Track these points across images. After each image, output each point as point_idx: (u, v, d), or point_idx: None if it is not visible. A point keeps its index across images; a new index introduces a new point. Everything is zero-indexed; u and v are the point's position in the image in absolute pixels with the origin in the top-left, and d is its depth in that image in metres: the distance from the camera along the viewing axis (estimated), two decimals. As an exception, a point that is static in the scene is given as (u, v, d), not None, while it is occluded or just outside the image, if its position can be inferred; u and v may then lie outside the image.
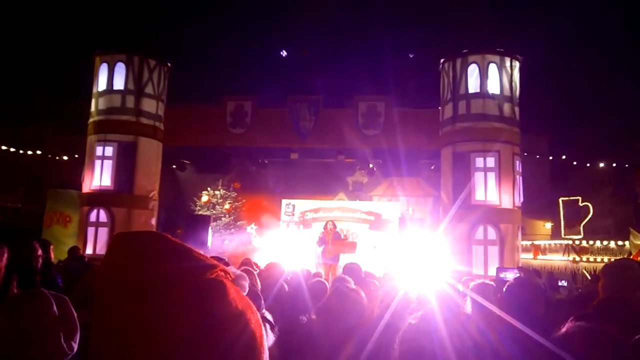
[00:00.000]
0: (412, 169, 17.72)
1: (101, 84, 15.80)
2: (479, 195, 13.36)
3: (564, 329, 2.07)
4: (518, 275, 5.46)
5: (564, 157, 21.98)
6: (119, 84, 15.62)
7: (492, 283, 5.04)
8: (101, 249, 14.71)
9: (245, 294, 0.91)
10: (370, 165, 18.76)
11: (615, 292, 3.16)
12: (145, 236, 0.85)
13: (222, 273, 0.87)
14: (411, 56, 14.60)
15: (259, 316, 0.87)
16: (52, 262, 7.08)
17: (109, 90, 15.64)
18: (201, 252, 0.93)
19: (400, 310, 3.77)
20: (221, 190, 18.31)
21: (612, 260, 5.12)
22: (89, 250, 14.59)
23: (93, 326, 0.83)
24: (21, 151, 21.27)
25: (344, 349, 3.24)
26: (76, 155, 18.79)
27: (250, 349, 0.83)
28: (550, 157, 22.71)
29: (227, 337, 0.80)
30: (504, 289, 3.88)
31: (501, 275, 7.69)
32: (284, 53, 14.64)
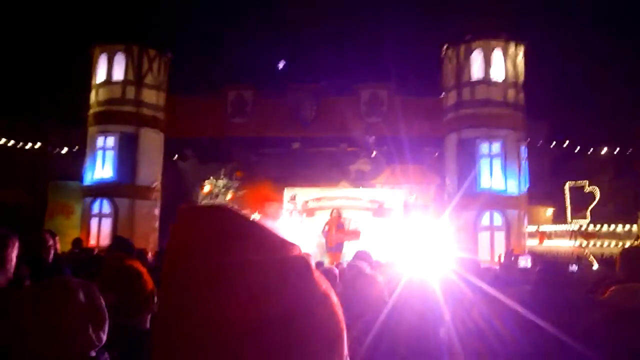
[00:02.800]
0: (415, 156, 17.60)
1: (100, 74, 15.67)
2: (484, 182, 13.30)
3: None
4: (531, 259, 5.39)
5: (566, 143, 21.88)
6: (118, 74, 15.50)
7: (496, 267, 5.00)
8: (104, 240, 14.65)
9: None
10: (374, 153, 18.67)
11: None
12: (217, 212, 0.75)
13: (304, 254, 0.77)
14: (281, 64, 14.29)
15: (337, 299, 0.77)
16: (57, 253, 7.00)
17: (109, 81, 15.52)
18: None
19: (407, 297, 3.74)
20: (223, 179, 18.21)
21: (629, 245, 5.05)
22: (92, 242, 14.54)
23: (160, 312, 0.73)
24: (20, 144, 21.14)
25: (350, 332, 3.20)
26: (76, 147, 18.64)
27: (335, 335, 0.73)
28: (554, 143, 22.61)
29: (314, 323, 0.72)
30: (537, 272, 3.81)
31: (514, 261, 7.63)
32: (281, 64, 14.52)
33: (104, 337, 1.85)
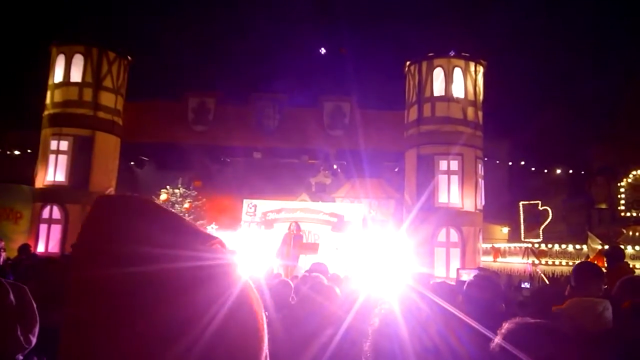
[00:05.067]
0: (375, 170, 17.79)
1: (57, 75, 15.25)
2: (442, 198, 13.46)
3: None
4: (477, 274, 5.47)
5: (522, 162, 22.45)
6: (76, 76, 15.10)
7: (452, 283, 5.04)
8: (54, 247, 14.15)
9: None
10: (334, 167, 18.74)
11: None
12: (135, 201, 0.70)
13: (220, 246, 0.73)
14: (323, 51, 14.54)
15: (258, 296, 0.74)
16: (2, 258, 6.72)
17: (66, 82, 15.10)
18: None
19: (364, 313, 3.74)
20: (181, 188, 17.91)
21: (577, 263, 5.15)
22: (40, 248, 14.04)
23: (69, 302, 0.67)
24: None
25: (306, 352, 3.16)
26: (29, 150, 18.05)
27: (253, 332, 0.69)
28: (510, 163, 23.18)
29: (231, 319, 0.69)
30: (464, 287, 3.92)
31: (461, 276, 7.72)
32: (323, 51, 14.47)
33: (34, 340, 1.74)
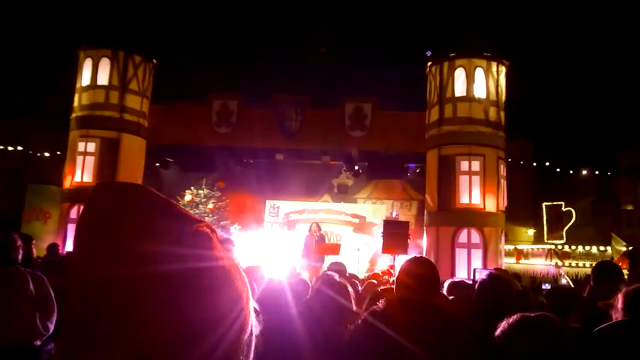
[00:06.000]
0: (397, 171, 17.75)
1: (85, 79, 15.59)
2: (463, 199, 13.38)
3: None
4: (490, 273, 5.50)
5: (547, 163, 22.15)
6: (103, 79, 15.42)
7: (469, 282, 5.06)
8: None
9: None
10: (356, 167, 18.76)
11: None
12: (130, 186, 0.78)
13: (208, 229, 0.80)
14: (428, 54, 14.55)
15: (245, 278, 0.79)
16: (33, 257, 6.92)
17: (93, 85, 15.43)
18: None
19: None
20: (205, 189, 18.13)
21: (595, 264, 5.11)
22: (68, 248, 14.34)
23: (70, 271, 0.75)
24: (0, 147, 20.92)
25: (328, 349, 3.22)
26: (58, 152, 18.49)
27: (232, 310, 0.75)
28: (535, 164, 22.87)
29: (209, 293, 0.74)
30: (476, 286, 3.95)
31: (477, 276, 7.71)
32: (429, 53, 14.62)
33: (52, 327, 1.84)
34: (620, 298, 3.09)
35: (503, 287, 3.78)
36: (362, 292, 6.76)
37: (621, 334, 2.83)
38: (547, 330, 1.99)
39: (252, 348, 0.79)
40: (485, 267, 12.13)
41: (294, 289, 5.47)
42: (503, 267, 12.72)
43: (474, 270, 9.36)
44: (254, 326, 0.79)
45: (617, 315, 3.09)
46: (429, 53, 14.48)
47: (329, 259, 12.61)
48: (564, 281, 11.83)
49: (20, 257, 4.92)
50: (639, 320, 2.97)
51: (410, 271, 2.79)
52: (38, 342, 1.81)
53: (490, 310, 3.34)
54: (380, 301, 2.72)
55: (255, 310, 0.88)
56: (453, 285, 4.83)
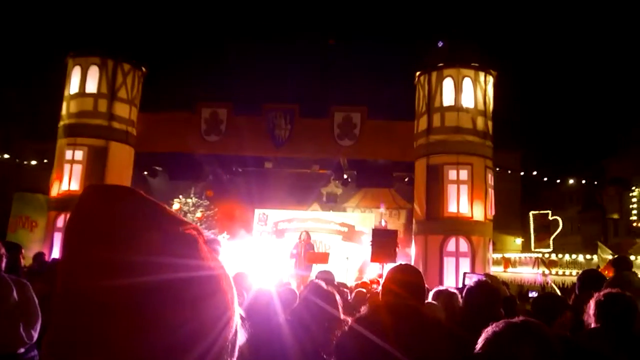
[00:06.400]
0: (386, 180, 17.79)
1: (73, 86, 15.52)
2: (451, 207, 13.45)
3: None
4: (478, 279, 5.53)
5: (534, 172, 22.33)
6: (91, 87, 15.37)
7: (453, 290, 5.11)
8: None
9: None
10: (345, 176, 18.80)
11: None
12: (120, 189, 0.79)
13: (195, 231, 0.80)
14: (440, 44, 14.57)
15: (231, 279, 0.80)
16: (20, 266, 6.85)
17: (81, 93, 15.37)
18: None
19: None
20: (193, 198, 18.08)
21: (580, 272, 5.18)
22: (55, 257, 14.21)
23: (59, 273, 0.75)
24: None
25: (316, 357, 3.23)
26: (45, 160, 18.35)
27: (218, 310, 0.76)
28: (522, 173, 23.05)
29: (193, 293, 0.73)
30: (464, 292, 3.97)
31: (466, 281, 7.76)
32: (440, 44, 14.58)
33: (35, 335, 1.83)
34: (592, 304, 3.14)
35: (490, 294, 3.80)
36: (353, 301, 6.78)
37: (596, 344, 2.88)
38: (533, 335, 2.00)
39: (237, 347, 0.80)
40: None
41: (282, 298, 5.49)
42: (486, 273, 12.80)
43: (464, 274, 9.41)
44: (238, 326, 0.80)
45: (589, 320, 3.14)
46: (440, 44, 14.53)
47: (317, 268, 12.60)
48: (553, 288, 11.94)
49: (3, 265, 4.88)
50: (610, 326, 3.02)
51: (396, 278, 2.81)
52: (22, 350, 1.80)
53: (477, 316, 3.37)
54: (363, 307, 2.75)
55: (242, 317, 0.88)
56: (438, 293, 4.86)
